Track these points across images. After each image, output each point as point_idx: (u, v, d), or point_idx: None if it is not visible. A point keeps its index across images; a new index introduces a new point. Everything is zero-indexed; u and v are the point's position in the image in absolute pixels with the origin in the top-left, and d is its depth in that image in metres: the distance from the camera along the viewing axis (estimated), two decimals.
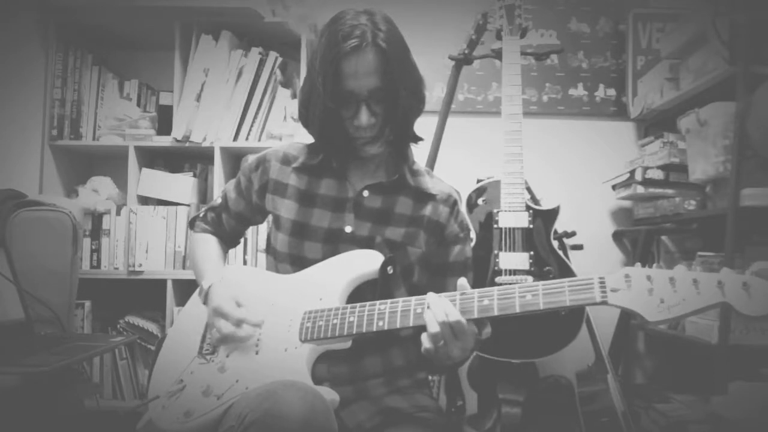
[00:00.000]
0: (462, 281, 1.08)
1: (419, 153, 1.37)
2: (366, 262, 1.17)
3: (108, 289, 2.22)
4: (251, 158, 1.36)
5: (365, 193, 1.25)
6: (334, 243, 1.22)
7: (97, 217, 2.21)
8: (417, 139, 1.29)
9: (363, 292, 1.17)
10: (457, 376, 2.04)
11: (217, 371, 1.14)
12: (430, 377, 2.01)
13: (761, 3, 1.77)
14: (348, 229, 1.23)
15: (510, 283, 1.85)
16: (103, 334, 2.18)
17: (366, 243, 1.21)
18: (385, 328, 1.07)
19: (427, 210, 1.27)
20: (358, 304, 1.11)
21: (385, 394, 1.20)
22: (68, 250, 1.79)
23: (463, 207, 1.32)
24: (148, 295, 2.23)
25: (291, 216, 1.25)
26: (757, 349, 1.76)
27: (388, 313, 1.08)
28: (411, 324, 1.06)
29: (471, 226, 1.30)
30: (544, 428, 1.94)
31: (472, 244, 1.84)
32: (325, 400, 0.99)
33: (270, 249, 1.33)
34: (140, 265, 2.18)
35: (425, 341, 1.05)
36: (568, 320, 1.83)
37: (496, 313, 1.02)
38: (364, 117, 1.16)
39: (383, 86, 1.15)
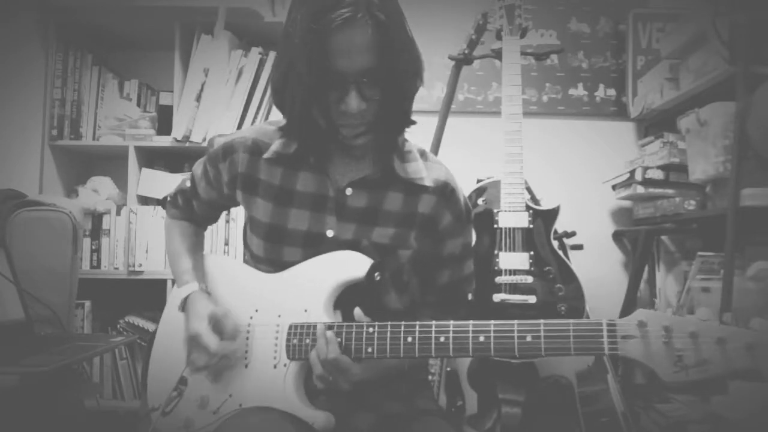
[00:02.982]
0: (357, 312, 1.01)
1: None
2: (351, 266, 1.08)
3: (108, 289, 2.22)
4: (216, 144, 1.20)
5: (348, 191, 1.11)
6: (315, 247, 1.11)
7: (97, 217, 2.21)
8: (411, 122, 1.11)
9: (349, 292, 1.09)
10: (457, 376, 2.04)
11: (209, 383, 1.12)
12: (430, 377, 2.02)
13: (761, 3, 1.77)
14: (330, 233, 1.11)
15: (509, 289, 1.84)
16: (103, 334, 2.18)
17: (350, 247, 1.10)
18: (375, 356, 1.00)
19: (420, 205, 1.14)
20: (345, 325, 1.02)
21: (384, 402, 1.16)
22: (68, 250, 1.79)
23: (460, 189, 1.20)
24: (148, 295, 2.23)
25: (266, 219, 1.14)
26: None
27: (377, 339, 1.00)
28: (401, 355, 0.99)
29: (470, 207, 1.21)
30: (544, 428, 1.94)
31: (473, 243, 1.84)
32: None
33: (247, 246, 1.24)
34: (140, 265, 2.18)
35: (316, 381, 1.01)
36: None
37: (492, 354, 0.94)
38: (353, 102, 0.99)
39: (379, 66, 0.97)
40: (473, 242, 1.24)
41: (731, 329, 0.81)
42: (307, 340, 1.04)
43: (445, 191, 1.15)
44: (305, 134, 1.08)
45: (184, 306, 1.16)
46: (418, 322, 0.99)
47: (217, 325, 1.09)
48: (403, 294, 1.18)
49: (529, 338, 0.92)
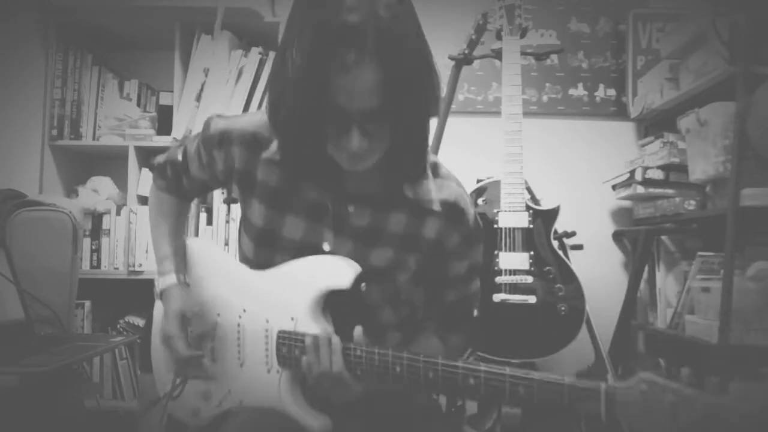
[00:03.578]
0: (357, 331, 0.96)
1: None
2: (337, 275, 1.01)
3: (108, 289, 2.22)
4: (213, 127, 1.09)
5: (350, 208, 1.04)
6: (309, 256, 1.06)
7: (97, 217, 2.21)
8: (426, 144, 1.03)
9: (338, 298, 1.03)
10: None
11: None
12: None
13: (761, 3, 1.77)
14: (326, 247, 1.05)
15: (509, 289, 1.84)
16: (103, 334, 2.18)
17: None
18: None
19: (425, 229, 1.06)
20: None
21: (381, 401, 1.12)
22: (68, 250, 1.79)
23: (471, 209, 1.12)
24: (148, 295, 2.21)
25: (259, 222, 1.07)
26: (757, 349, 1.76)
27: (365, 364, 0.95)
28: (390, 383, 0.95)
29: (480, 224, 1.15)
30: (544, 428, 1.94)
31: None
32: None
33: (240, 245, 1.19)
34: (140, 265, 2.18)
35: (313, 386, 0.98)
36: (568, 320, 1.84)
37: (481, 396, 0.91)
38: (355, 141, 0.88)
39: (385, 106, 0.86)
40: (481, 262, 1.18)
41: (741, 408, 0.75)
42: (296, 351, 1.01)
43: (454, 213, 1.07)
44: (302, 166, 1.00)
45: (162, 297, 1.15)
46: (405, 354, 0.94)
47: (186, 326, 1.08)
48: (399, 308, 1.13)
49: (521, 390, 0.88)
